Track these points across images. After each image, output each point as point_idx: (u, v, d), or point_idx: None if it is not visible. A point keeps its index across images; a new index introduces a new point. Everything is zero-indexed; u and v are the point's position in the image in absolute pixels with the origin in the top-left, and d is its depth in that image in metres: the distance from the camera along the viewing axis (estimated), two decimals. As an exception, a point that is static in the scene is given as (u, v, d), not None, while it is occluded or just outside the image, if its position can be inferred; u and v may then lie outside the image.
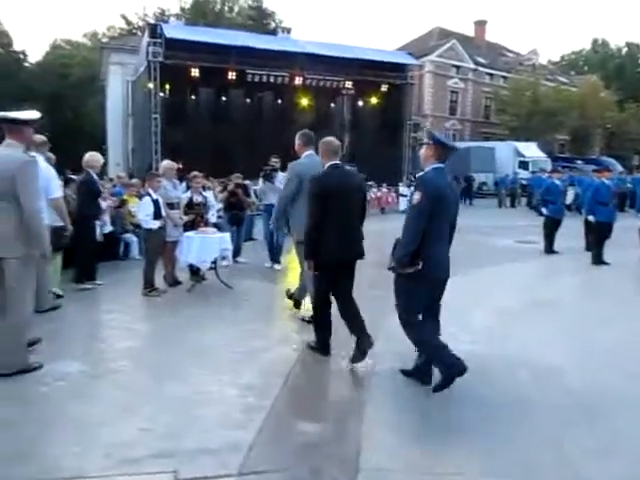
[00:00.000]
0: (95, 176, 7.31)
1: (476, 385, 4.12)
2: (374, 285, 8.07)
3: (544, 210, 11.37)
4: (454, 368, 3.78)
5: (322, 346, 4.74)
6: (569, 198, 18.57)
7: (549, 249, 10.96)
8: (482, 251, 11.17)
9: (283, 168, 8.30)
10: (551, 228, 11.09)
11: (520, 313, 6.36)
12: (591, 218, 10.15)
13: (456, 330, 5.47)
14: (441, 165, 4.08)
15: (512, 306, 6.62)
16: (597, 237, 9.99)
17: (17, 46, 50.42)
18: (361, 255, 4.70)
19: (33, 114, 4.43)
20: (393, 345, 4.96)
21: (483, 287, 7.92)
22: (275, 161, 9.39)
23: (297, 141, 5.71)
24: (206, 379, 4.29)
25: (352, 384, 4.23)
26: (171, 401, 3.85)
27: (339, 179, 4.58)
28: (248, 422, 3.46)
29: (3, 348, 4.14)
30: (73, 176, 8.73)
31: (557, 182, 11.73)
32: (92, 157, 7.30)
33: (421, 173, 4.14)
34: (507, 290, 7.70)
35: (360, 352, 4.46)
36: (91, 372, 4.31)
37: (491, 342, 5.20)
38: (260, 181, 9.89)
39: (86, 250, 7.16)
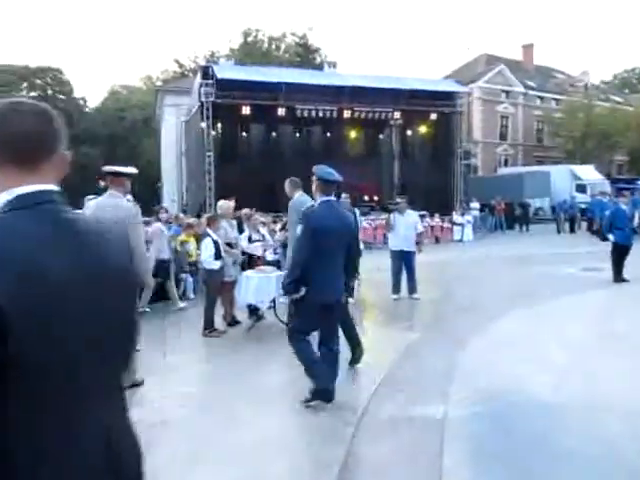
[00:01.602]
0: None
1: (558, 432, 3.82)
2: (443, 321, 7.81)
3: (611, 236, 10.85)
4: (322, 387, 4.30)
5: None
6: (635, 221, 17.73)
7: (618, 277, 10.39)
8: (546, 281, 10.70)
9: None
10: (619, 255, 10.53)
11: (597, 348, 5.96)
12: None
13: (532, 369, 5.19)
14: (328, 198, 4.49)
15: (588, 340, 6.23)
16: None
17: (77, 93, 52.94)
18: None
19: (132, 169, 5.04)
20: (464, 388, 4.72)
21: (554, 320, 7.52)
22: (345, 197, 9.52)
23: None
24: (272, 424, 4.15)
25: (425, 431, 3.98)
26: (238, 450, 3.72)
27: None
28: (320, 474, 3.28)
29: None
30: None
31: (623, 206, 11.20)
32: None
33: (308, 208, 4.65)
34: (580, 323, 7.27)
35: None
36: (151, 419, 4.23)
37: (570, 383, 4.85)
38: None
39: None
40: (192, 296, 9.93)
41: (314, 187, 4.58)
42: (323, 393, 4.37)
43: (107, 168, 4.94)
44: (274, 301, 7.19)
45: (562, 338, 6.38)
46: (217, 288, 7.07)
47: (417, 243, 9.39)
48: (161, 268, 8.61)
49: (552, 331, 6.83)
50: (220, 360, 5.89)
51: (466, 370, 5.24)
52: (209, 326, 6.97)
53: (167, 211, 12.18)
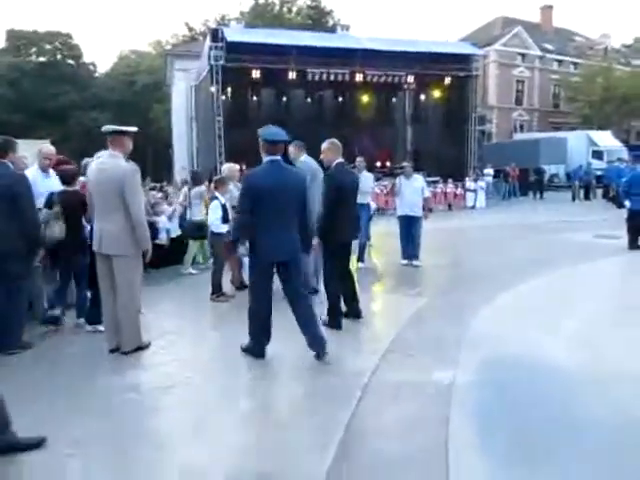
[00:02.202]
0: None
1: (570, 402, 3.74)
2: (453, 288, 7.72)
3: (627, 203, 10.61)
4: (258, 344, 4.64)
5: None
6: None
7: (634, 244, 10.19)
8: (559, 249, 10.52)
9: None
10: (635, 222, 10.31)
11: (612, 318, 5.83)
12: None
13: (543, 337, 5.09)
14: (273, 158, 4.51)
15: (601, 310, 6.10)
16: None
17: (87, 58, 52.39)
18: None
19: (132, 127, 4.91)
20: (473, 355, 4.64)
21: (567, 288, 7.40)
22: (360, 160, 9.37)
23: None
24: (276, 392, 4.12)
25: (433, 397, 3.91)
26: (241, 417, 3.69)
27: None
28: (324, 443, 3.23)
29: (124, 328, 4.79)
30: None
31: (642, 172, 10.92)
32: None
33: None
34: (593, 292, 7.14)
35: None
36: (159, 384, 4.21)
37: (584, 352, 4.73)
38: None
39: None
40: (200, 261, 9.90)
41: (261, 148, 4.61)
42: (251, 350, 4.70)
43: (106, 127, 4.80)
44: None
45: (574, 307, 6.27)
46: (225, 252, 6.98)
47: (424, 209, 9.23)
48: (195, 230, 8.64)
49: (564, 300, 6.71)
50: (227, 325, 5.83)
51: (475, 337, 5.16)
52: (217, 290, 6.92)
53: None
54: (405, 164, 9.98)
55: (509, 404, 3.75)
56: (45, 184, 5.89)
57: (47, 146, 6.37)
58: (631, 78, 36.23)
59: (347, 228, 5.66)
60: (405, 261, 9.16)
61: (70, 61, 49.77)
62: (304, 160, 6.89)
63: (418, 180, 9.35)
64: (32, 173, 5.80)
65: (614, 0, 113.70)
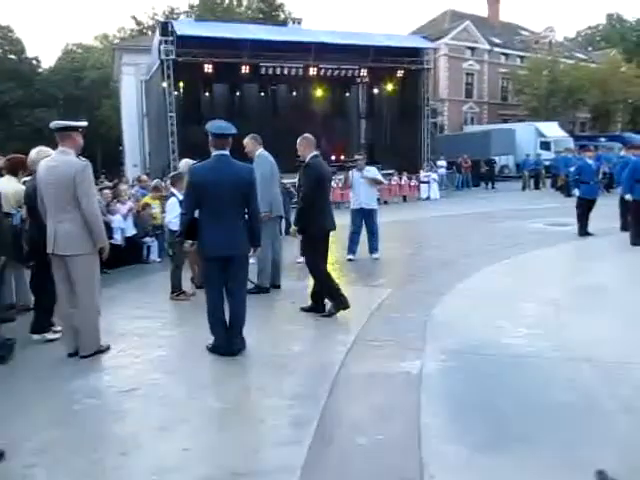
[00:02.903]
0: None
1: (536, 383, 3.83)
2: (414, 278, 7.82)
3: (576, 191, 10.95)
4: (221, 341, 4.60)
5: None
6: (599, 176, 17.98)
7: (583, 231, 10.53)
8: (513, 236, 10.78)
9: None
10: (584, 209, 10.64)
11: (569, 301, 6.00)
12: (629, 197, 9.70)
13: (506, 323, 5.20)
14: (220, 152, 4.54)
15: (558, 294, 6.25)
16: (636, 216, 9.54)
17: (30, 53, 50.44)
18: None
19: (81, 122, 4.78)
20: (439, 343, 4.70)
21: (523, 275, 7.60)
22: (359, 157, 9.65)
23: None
24: (246, 389, 4.06)
25: (402, 387, 3.93)
26: (211, 416, 3.62)
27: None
28: (297, 438, 3.19)
29: (83, 331, 4.65)
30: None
31: (589, 161, 11.28)
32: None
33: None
34: (548, 277, 7.34)
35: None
36: (122, 387, 4.08)
37: (546, 335, 4.84)
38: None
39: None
40: (158, 259, 9.70)
41: (209, 143, 4.61)
42: (217, 349, 4.64)
43: (54, 123, 4.61)
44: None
45: (533, 292, 6.41)
46: (183, 250, 6.84)
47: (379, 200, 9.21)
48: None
49: (523, 285, 6.88)
50: (189, 324, 5.72)
51: (440, 325, 5.22)
52: (177, 289, 6.79)
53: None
54: (357, 157, 9.93)
55: (478, 390, 3.80)
56: None
57: None
58: (575, 71, 37.44)
59: (328, 217, 5.85)
60: (350, 256, 9.11)
61: (12, 56, 47.83)
62: (260, 154, 6.89)
63: (371, 172, 9.30)
64: None
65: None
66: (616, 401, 3.52)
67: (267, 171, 6.82)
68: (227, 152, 4.60)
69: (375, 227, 9.17)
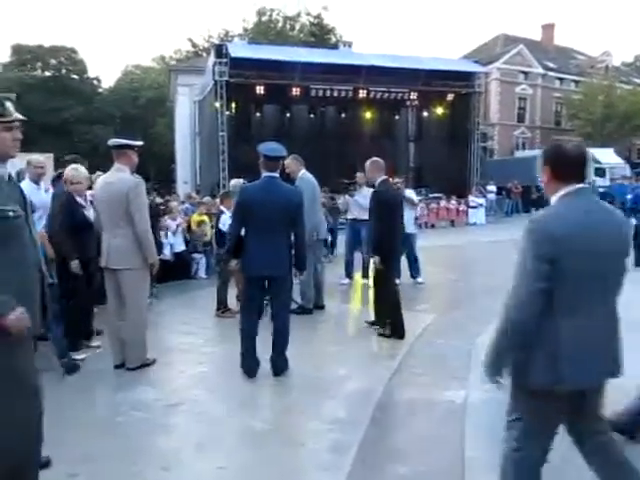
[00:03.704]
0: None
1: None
2: (459, 304, 7.67)
3: (633, 220, 10.57)
4: (243, 361, 4.60)
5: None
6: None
7: (640, 261, 10.13)
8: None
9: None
10: (642, 239, 10.25)
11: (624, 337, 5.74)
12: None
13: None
14: (271, 174, 4.55)
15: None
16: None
17: (91, 73, 52.66)
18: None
19: (138, 141, 4.89)
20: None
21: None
22: (361, 175, 9.18)
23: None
24: (286, 410, 4.04)
25: (446, 416, 3.84)
26: (250, 435, 3.61)
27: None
28: (335, 463, 3.15)
29: (130, 344, 4.73)
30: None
31: (646, 190, 10.90)
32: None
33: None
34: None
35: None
36: (165, 401, 4.14)
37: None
38: (346, 196, 10.20)
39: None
40: (204, 276, 9.84)
41: (260, 164, 4.64)
42: (242, 365, 4.65)
43: (112, 141, 4.77)
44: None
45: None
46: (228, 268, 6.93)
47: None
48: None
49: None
50: (233, 341, 5.74)
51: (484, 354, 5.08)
52: (222, 306, 6.87)
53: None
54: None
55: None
56: (39, 197, 5.41)
57: (35, 156, 5.94)
58: (632, 96, 36.38)
59: (398, 242, 6.00)
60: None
61: (74, 76, 50.03)
62: (303, 175, 6.89)
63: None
64: (25, 186, 5.58)
65: (615, 19, 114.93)
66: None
67: (310, 193, 6.80)
68: (277, 174, 4.64)
69: (413, 252, 8.90)
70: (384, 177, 5.99)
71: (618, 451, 2.42)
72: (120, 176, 4.69)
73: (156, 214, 8.17)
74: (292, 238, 4.70)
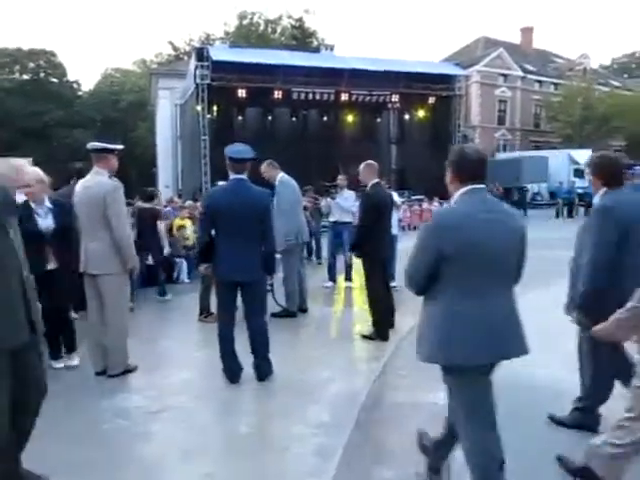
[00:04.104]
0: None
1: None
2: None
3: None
4: (225, 366, 4.57)
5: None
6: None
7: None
8: (548, 265, 10.53)
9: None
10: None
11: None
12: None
13: (535, 354, 5.04)
14: (238, 177, 4.50)
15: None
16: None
17: (71, 76, 52.14)
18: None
19: (117, 145, 4.84)
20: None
21: (557, 305, 7.38)
22: (342, 178, 9.21)
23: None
24: (271, 415, 4.02)
25: (430, 418, 3.84)
26: (235, 441, 3.59)
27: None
28: (321, 468, 3.14)
29: (112, 350, 4.68)
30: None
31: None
32: None
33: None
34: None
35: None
36: (150, 408, 4.10)
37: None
38: (327, 198, 10.25)
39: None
40: (187, 280, 9.78)
41: (227, 166, 4.60)
42: (224, 371, 4.61)
43: (91, 145, 4.71)
44: (272, 284, 7.03)
45: (565, 323, 6.23)
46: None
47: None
48: None
49: (556, 316, 6.69)
50: (216, 346, 5.71)
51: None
52: (205, 310, 6.82)
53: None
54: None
55: (509, 423, 3.68)
56: None
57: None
58: (610, 98, 36.98)
59: (384, 244, 6.02)
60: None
61: (54, 79, 49.51)
62: (282, 179, 6.83)
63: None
64: None
65: (592, 22, 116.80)
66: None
67: (291, 196, 6.80)
68: (244, 176, 4.58)
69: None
70: (376, 180, 6.00)
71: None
72: (98, 180, 4.62)
73: (155, 217, 8.39)
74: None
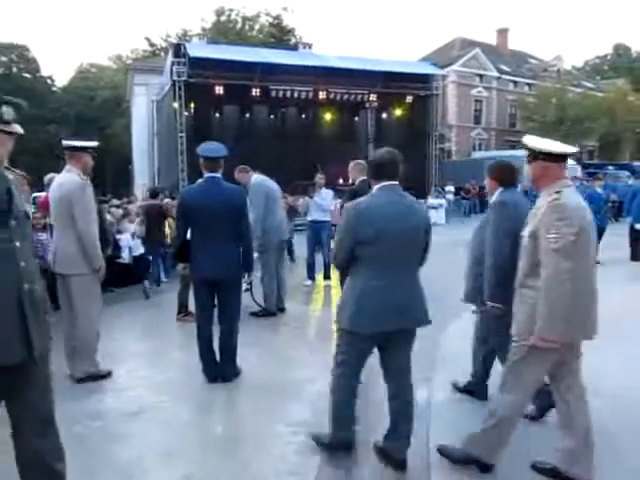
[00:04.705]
0: None
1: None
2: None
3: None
4: (204, 366, 4.55)
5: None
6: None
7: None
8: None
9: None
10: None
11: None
12: (639, 226, 9.66)
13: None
14: (212, 175, 4.49)
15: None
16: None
17: (44, 71, 51.23)
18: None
19: (91, 142, 4.77)
20: (448, 371, 4.63)
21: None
22: (320, 177, 9.21)
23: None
24: (251, 415, 3.99)
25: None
26: (215, 442, 3.56)
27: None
28: (303, 466, 3.14)
29: (79, 352, 4.55)
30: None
31: (598, 190, 11.26)
32: None
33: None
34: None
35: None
36: (127, 409, 4.04)
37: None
38: (305, 197, 10.29)
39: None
40: (165, 279, 9.67)
41: (201, 165, 4.59)
42: (204, 372, 4.59)
43: (65, 142, 4.62)
44: (250, 283, 7.00)
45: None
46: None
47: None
48: None
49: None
50: (194, 345, 5.67)
51: (446, 355, 5.16)
52: (183, 309, 6.75)
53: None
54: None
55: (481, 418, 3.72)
56: None
57: None
58: (583, 99, 37.63)
59: None
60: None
61: (27, 74, 48.59)
62: (254, 182, 6.86)
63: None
64: None
65: (565, 24, 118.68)
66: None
67: (262, 199, 6.75)
68: (219, 174, 4.57)
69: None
70: (364, 177, 6.02)
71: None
72: (68, 177, 4.53)
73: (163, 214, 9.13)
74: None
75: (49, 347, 2.40)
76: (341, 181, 25.00)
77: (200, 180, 4.67)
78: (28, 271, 2.21)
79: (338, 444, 3.21)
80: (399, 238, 2.96)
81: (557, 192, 2.82)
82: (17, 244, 2.17)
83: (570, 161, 19.81)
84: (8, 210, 2.15)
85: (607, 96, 39.42)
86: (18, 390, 2.28)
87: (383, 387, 3.34)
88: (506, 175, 3.89)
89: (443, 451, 3.22)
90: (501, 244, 3.50)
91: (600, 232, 10.54)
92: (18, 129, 2.27)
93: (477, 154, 37.51)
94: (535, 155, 2.95)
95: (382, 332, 3.01)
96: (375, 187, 3.10)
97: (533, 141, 3.00)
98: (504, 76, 41.97)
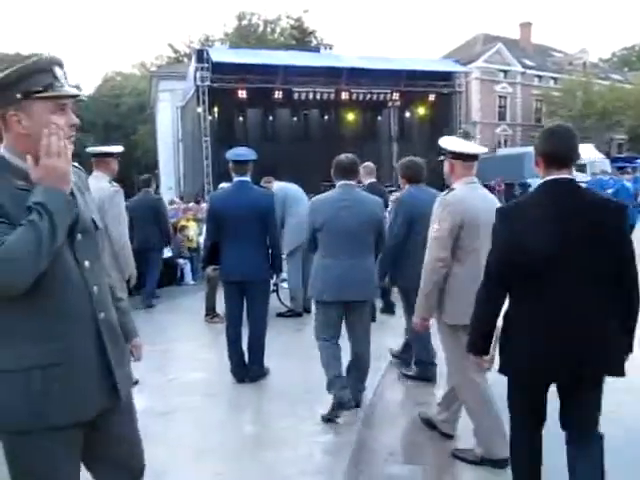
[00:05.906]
0: None
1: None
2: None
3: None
4: (232, 366, 4.64)
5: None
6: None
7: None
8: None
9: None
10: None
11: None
12: (670, 220, 9.45)
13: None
14: (241, 179, 4.60)
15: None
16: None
17: (72, 80, 52.18)
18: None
19: (117, 148, 4.84)
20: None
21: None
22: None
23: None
24: (279, 414, 4.04)
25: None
26: (244, 441, 3.61)
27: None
28: (331, 466, 3.17)
29: None
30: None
31: (627, 184, 11.06)
32: None
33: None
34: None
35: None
36: (158, 409, 4.12)
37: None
38: None
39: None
40: (192, 282, 9.80)
41: (230, 170, 4.69)
42: (233, 373, 4.65)
43: (90, 149, 4.73)
44: (276, 285, 7.06)
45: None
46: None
47: None
48: None
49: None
50: (221, 346, 5.74)
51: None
52: (211, 311, 6.84)
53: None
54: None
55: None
56: None
57: None
58: (610, 92, 36.89)
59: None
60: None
61: (54, 84, 49.64)
62: (275, 190, 6.84)
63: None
64: None
65: (590, 16, 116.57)
66: None
67: (280, 204, 6.59)
68: (247, 178, 4.65)
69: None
70: (372, 180, 6.26)
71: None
72: (97, 185, 4.57)
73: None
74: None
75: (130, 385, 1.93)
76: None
77: (229, 184, 4.77)
78: (99, 298, 1.72)
79: (337, 404, 3.64)
80: (347, 227, 3.70)
81: (451, 189, 3.21)
82: (86, 264, 1.69)
83: (598, 154, 19.76)
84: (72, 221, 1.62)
85: (635, 88, 38.59)
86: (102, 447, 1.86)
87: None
88: (412, 173, 4.61)
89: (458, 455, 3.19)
90: (397, 235, 4.27)
91: (630, 227, 10.38)
92: (83, 95, 2.03)
93: (503, 150, 37.08)
94: (445, 154, 3.29)
95: (336, 301, 3.77)
96: (337, 185, 3.87)
97: (445, 142, 3.33)
98: (528, 71, 41.40)
